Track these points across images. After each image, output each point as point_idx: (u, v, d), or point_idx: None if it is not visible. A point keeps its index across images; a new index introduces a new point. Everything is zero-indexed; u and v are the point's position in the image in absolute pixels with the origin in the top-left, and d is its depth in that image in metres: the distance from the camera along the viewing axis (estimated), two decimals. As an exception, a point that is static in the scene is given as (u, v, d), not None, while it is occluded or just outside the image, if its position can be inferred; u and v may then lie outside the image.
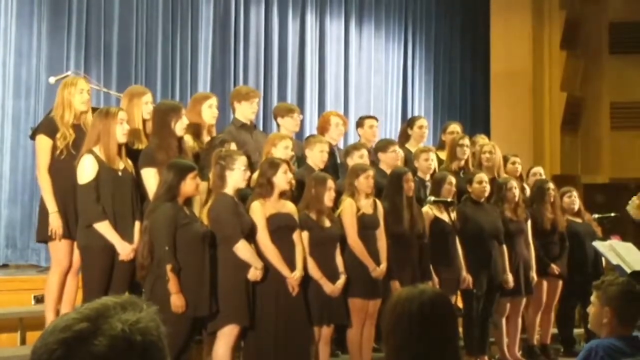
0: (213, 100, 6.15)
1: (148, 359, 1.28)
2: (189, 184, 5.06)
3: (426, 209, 6.69)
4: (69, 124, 5.33)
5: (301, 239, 5.67)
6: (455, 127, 8.10)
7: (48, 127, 5.37)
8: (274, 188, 5.57)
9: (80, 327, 1.25)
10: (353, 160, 6.50)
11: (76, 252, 5.36)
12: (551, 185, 7.76)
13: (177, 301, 4.88)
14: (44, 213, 5.34)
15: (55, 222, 5.24)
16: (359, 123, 7.64)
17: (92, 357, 1.23)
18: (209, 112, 6.08)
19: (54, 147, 5.30)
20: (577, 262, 7.71)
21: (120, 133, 5.19)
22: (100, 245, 5.09)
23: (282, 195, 5.64)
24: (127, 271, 5.16)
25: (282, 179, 5.57)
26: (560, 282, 7.68)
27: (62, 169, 5.29)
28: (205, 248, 5.12)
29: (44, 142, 5.34)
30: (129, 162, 5.32)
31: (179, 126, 5.47)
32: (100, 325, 1.26)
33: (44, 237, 5.40)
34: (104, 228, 5.09)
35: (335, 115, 7.32)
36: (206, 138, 6.00)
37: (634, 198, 5.89)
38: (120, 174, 5.21)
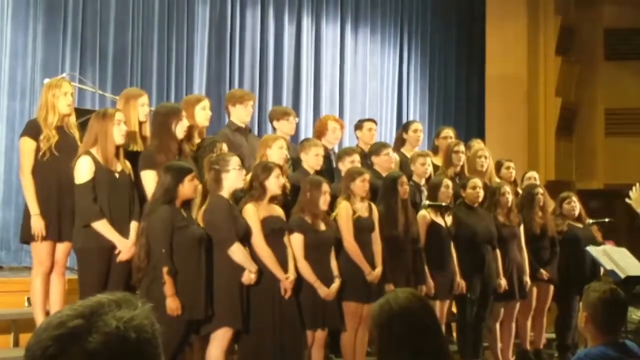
0: (206, 102, 6.14)
1: (142, 356, 1.27)
2: (187, 186, 5.06)
3: (424, 213, 6.69)
4: (53, 126, 5.32)
5: (290, 243, 5.67)
6: (448, 132, 8.09)
7: (32, 129, 5.36)
8: (266, 192, 5.56)
9: (75, 324, 1.25)
10: (345, 165, 6.48)
11: (58, 253, 5.35)
12: (540, 190, 7.74)
13: (172, 304, 4.87)
14: (27, 214, 5.34)
15: (37, 224, 5.23)
16: (358, 126, 7.63)
17: (86, 354, 1.23)
18: (203, 114, 6.06)
19: (37, 149, 5.28)
20: (575, 266, 7.68)
21: (117, 134, 5.19)
22: (96, 247, 5.08)
23: (273, 199, 5.63)
24: (123, 273, 5.14)
25: (274, 184, 5.57)
26: (552, 287, 7.67)
27: (45, 170, 5.28)
28: (202, 251, 5.11)
29: (27, 144, 5.32)
30: (127, 163, 5.31)
31: (179, 128, 5.48)
32: (95, 322, 1.25)
33: (26, 238, 5.40)
34: (102, 227, 5.08)
35: (333, 120, 7.29)
36: (197, 140, 6.00)
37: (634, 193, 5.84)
38: (117, 175, 5.20)
